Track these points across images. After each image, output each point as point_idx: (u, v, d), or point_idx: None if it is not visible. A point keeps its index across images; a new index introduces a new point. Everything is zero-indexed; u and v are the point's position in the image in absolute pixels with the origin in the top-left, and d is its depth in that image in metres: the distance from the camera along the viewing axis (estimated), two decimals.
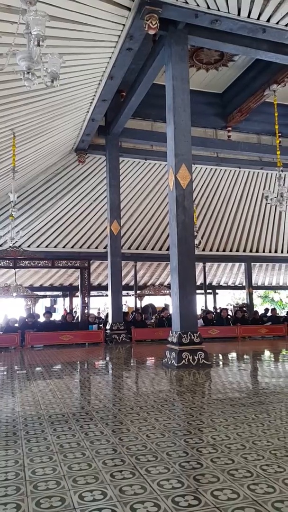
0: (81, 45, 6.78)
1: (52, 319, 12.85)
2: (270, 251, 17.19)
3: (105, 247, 13.65)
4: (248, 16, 6.64)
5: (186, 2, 6.33)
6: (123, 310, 12.01)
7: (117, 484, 2.16)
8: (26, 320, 11.51)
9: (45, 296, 21.51)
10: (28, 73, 4.09)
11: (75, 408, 3.91)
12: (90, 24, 6.32)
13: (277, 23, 6.81)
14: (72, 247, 14.44)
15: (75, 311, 16.89)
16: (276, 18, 6.66)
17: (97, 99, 9.01)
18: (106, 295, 12.34)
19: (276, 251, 17.27)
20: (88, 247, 14.66)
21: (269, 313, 14.45)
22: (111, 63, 7.75)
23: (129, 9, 6.33)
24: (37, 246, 13.89)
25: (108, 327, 11.10)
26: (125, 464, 2.45)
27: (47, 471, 2.37)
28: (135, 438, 2.92)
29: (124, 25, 6.69)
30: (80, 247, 14.55)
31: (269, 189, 13.35)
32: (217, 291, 21.56)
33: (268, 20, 6.74)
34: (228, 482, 2.15)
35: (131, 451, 2.65)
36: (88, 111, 9.59)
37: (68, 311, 16.86)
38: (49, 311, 13.28)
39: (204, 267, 17.93)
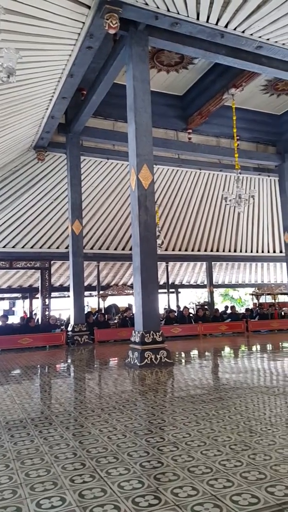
0: (39, 41, 6.65)
1: (9, 322, 12.48)
2: (229, 251, 17.61)
3: (66, 247, 13.46)
4: (207, 21, 6.75)
5: (146, 4, 6.36)
6: (85, 311, 11.90)
7: (77, 489, 2.13)
8: None
9: (2, 299, 20.97)
10: None
11: (34, 413, 3.82)
12: (48, 20, 6.22)
13: (235, 29, 6.97)
14: (32, 247, 14.11)
15: (35, 313, 16.56)
16: (233, 24, 6.82)
17: (57, 97, 8.87)
18: (68, 296, 12.17)
19: (235, 251, 17.72)
20: (49, 247, 14.39)
21: (228, 311, 14.79)
22: (71, 61, 7.65)
23: (88, 7, 6.28)
24: None
25: (70, 328, 10.96)
26: (85, 467, 2.42)
27: (2, 480, 2.29)
28: (95, 441, 2.89)
29: (84, 23, 6.63)
30: (41, 247, 14.25)
31: (228, 190, 13.67)
32: (179, 290, 21.83)
33: (226, 26, 6.89)
34: (188, 479, 2.18)
35: (92, 454, 2.63)
36: (47, 108, 9.42)
37: (28, 313, 16.50)
38: (5, 315, 12.88)
39: (167, 266, 18.11)
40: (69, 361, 8.26)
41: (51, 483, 2.22)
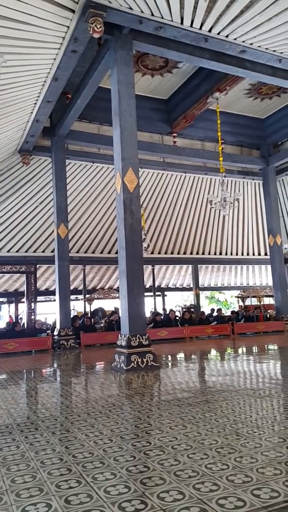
0: (23, 45, 6.61)
1: None
2: (215, 253, 17.74)
3: (52, 251, 13.37)
4: (191, 25, 6.81)
5: (131, 8, 6.39)
6: (71, 315, 11.82)
7: (63, 495, 2.11)
8: None
9: None
10: None
11: (20, 419, 3.78)
12: (33, 24, 6.19)
13: (218, 33, 7.03)
14: (17, 251, 13.98)
15: (21, 318, 16.38)
16: (217, 28, 6.89)
17: (42, 100, 8.82)
18: (54, 300, 12.09)
19: (220, 253, 17.85)
20: (35, 251, 14.27)
21: (215, 313, 14.86)
22: (55, 65, 7.63)
23: (73, 11, 6.27)
24: None
25: (56, 333, 10.87)
26: (71, 472, 2.40)
27: None
28: (81, 446, 2.87)
29: (68, 27, 6.61)
30: (26, 251, 14.12)
31: (213, 194, 13.77)
32: (166, 293, 21.86)
33: (210, 30, 6.95)
34: (174, 483, 2.18)
35: (78, 459, 2.61)
36: (32, 112, 9.36)
37: (14, 318, 16.31)
38: None
39: (153, 269, 18.12)
40: (55, 365, 8.18)
41: (37, 489, 2.19)
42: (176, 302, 24.96)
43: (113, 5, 6.29)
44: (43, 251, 14.38)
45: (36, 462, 2.59)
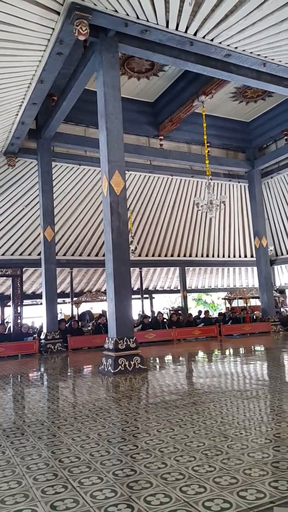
0: (8, 46, 6.57)
1: None
2: (202, 256, 17.83)
3: (38, 254, 13.27)
4: (176, 29, 6.84)
5: (116, 11, 6.39)
6: (58, 318, 11.74)
7: (49, 500, 2.09)
8: None
9: None
10: None
11: (6, 424, 3.73)
12: (18, 26, 6.16)
13: (204, 37, 7.08)
14: (3, 254, 13.84)
15: (7, 322, 16.19)
16: (202, 32, 6.94)
17: (27, 102, 8.76)
18: (41, 304, 11.99)
19: (207, 256, 17.95)
20: (21, 254, 14.15)
21: (202, 315, 14.91)
22: (41, 67, 7.59)
23: (58, 13, 6.25)
24: None
25: (42, 336, 10.77)
26: (57, 478, 2.38)
27: None
28: (68, 450, 2.85)
29: (53, 29, 6.59)
30: (12, 254, 13.99)
31: (199, 196, 13.85)
32: (153, 295, 21.85)
33: (195, 34, 7.00)
34: (161, 486, 2.17)
35: (64, 464, 2.58)
36: (17, 114, 9.29)
37: (0, 321, 16.12)
38: None
39: (141, 272, 18.10)
40: (42, 369, 8.11)
41: (22, 495, 2.17)
42: (163, 304, 24.99)
43: (99, 7, 6.29)
44: (29, 254, 14.27)
45: (22, 468, 2.56)
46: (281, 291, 19.85)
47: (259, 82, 8.85)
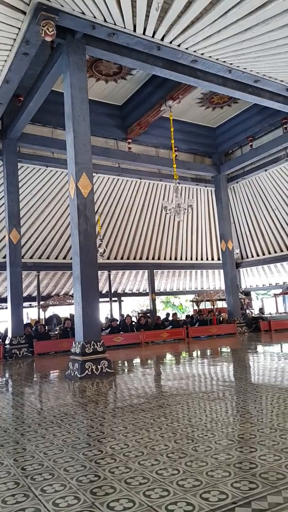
0: None
1: None
2: (170, 259, 17.97)
3: (4, 257, 12.95)
4: (144, 33, 6.89)
5: (83, 13, 6.37)
6: (24, 322, 11.49)
7: (9, 510, 2.03)
8: None
9: None
10: None
11: None
12: None
13: (171, 42, 7.17)
14: None
15: None
16: (169, 37, 7.01)
17: None
18: (6, 308, 11.70)
19: (176, 258, 18.11)
20: None
21: (170, 318, 15.00)
22: (6, 67, 7.45)
23: (24, 13, 6.16)
24: None
25: (7, 341, 10.51)
26: (19, 486, 2.32)
27: None
28: (31, 457, 2.78)
29: (19, 28, 6.49)
30: None
31: (167, 200, 13.96)
32: (122, 298, 21.79)
33: (162, 39, 7.07)
34: (125, 491, 2.16)
35: (27, 472, 2.52)
36: None
37: None
38: None
39: (109, 275, 18.01)
40: (6, 375, 7.90)
41: None
42: (132, 307, 24.96)
43: (66, 9, 6.24)
44: None
45: None
46: (247, 293, 20.29)
47: (225, 88, 9.04)
